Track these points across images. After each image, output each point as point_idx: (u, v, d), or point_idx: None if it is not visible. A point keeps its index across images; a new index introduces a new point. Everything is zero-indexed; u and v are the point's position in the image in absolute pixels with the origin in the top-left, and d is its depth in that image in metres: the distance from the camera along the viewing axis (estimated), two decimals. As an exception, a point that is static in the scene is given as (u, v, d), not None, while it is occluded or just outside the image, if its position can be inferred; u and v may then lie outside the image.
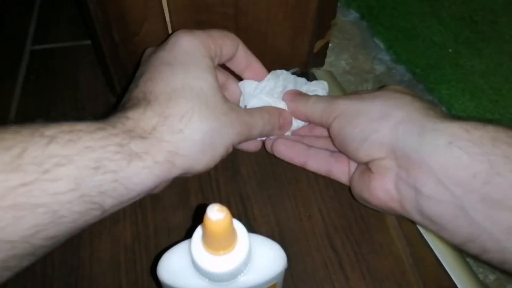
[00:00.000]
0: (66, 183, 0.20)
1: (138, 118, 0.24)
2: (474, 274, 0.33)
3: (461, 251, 0.34)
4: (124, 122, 0.23)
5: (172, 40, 0.29)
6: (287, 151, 0.35)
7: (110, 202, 0.22)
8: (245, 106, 0.35)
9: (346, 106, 0.30)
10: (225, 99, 0.29)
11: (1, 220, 0.18)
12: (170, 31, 0.35)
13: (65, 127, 0.21)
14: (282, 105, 0.34)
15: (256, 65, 0.34)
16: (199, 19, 0.34)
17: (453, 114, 0.27)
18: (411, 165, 0.25)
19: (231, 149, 0.30)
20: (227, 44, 0.31)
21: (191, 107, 0.26)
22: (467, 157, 0.22)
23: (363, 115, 0.28)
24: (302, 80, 0.37)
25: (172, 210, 0.35)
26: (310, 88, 0.36)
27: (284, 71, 0.36)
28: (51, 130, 0.21)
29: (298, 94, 0.35)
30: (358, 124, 0.28)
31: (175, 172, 0.25)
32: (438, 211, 0.24)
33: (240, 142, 0.30)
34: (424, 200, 0.24)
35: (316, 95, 0.34)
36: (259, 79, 0.35)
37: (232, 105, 0.29)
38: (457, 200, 0.23)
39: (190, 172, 0.27)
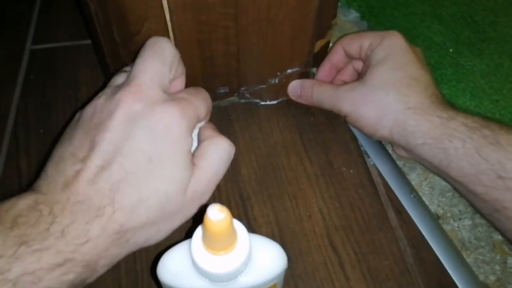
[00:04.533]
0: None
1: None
2: (474, 275, 0.33)
3: (460, 254, 0.35)
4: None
5: (163, 122, 0.27)
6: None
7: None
8: None
9: (347, 108, 0.38)
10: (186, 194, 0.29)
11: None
12: (170, 31, 0.35)
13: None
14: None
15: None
16: (199, 19, 0.34)
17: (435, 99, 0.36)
18: (407, 149, 0.37)
19: None
20: (206, 114, 0.32)
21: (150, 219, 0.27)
22: (435, 152, 0.34)
23: (364, 120, 0.37)
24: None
25: (172, 210, 0.36)
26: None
27: None
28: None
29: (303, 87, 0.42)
30: (361, 127, 0.38)
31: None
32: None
33: None
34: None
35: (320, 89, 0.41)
36: None
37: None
38: (439, 172, 0.36)
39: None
